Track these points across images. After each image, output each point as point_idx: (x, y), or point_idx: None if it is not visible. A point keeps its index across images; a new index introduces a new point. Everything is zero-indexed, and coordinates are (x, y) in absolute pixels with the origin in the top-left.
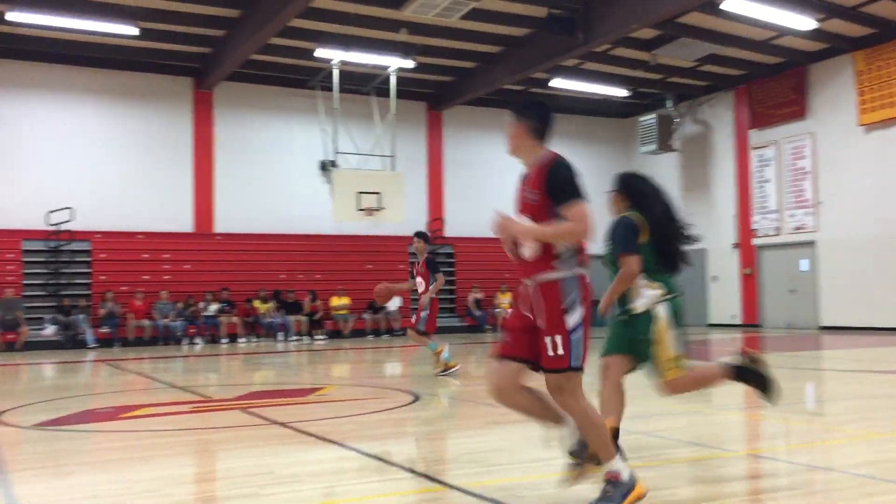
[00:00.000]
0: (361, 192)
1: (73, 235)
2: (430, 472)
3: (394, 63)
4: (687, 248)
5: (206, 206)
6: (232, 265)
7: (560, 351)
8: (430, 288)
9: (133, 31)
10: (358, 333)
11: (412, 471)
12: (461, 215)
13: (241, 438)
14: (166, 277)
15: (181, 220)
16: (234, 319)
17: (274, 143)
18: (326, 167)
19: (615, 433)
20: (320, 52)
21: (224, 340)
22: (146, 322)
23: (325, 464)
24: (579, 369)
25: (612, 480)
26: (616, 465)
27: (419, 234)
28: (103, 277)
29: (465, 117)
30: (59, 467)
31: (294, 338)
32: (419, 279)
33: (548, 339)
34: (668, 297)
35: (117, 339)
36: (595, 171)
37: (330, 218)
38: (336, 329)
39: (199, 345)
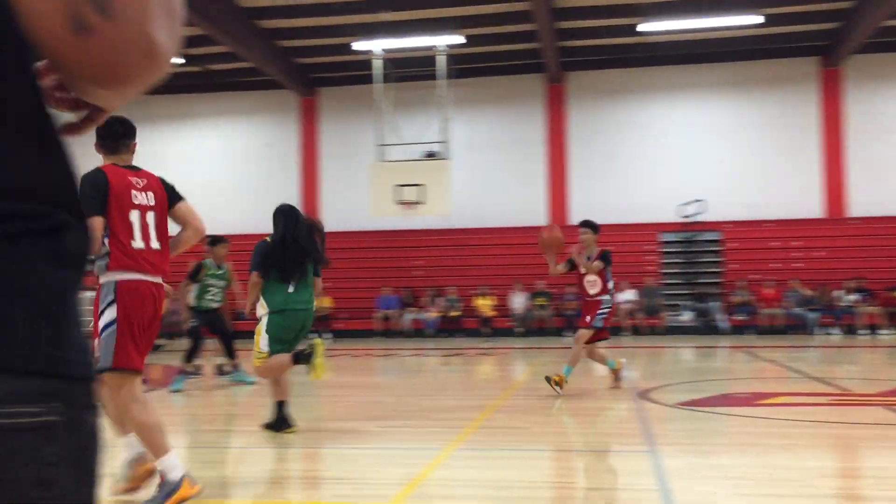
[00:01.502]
0: None
1: (704, 226)
2: None
3: None
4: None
5: (837, 189)
6: (869, 251)
7: (97, 353)
8: (608, 287)
9: (758, 19)
10: None
11: None
12: None
13: (886, 437)
14: (797, 265)
15: (810, 205)
16: (874, 309)
17: None
18: None
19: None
20: None
21: (862, 331)
22: (778, 310)
23: None
24: (108, 370)
25: (161, 480)
26: (164, 463)
27: (586, 224)
28: (734, 266)
29: None
30: (700, 446)
31: None
32: (593, 277)
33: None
34: (272, 312)
35: (750, 327)
36: None
37: None
38: None
39: (835, 335)
